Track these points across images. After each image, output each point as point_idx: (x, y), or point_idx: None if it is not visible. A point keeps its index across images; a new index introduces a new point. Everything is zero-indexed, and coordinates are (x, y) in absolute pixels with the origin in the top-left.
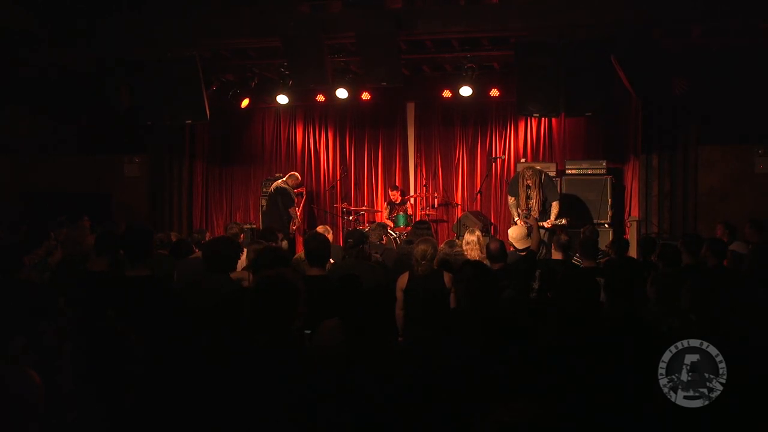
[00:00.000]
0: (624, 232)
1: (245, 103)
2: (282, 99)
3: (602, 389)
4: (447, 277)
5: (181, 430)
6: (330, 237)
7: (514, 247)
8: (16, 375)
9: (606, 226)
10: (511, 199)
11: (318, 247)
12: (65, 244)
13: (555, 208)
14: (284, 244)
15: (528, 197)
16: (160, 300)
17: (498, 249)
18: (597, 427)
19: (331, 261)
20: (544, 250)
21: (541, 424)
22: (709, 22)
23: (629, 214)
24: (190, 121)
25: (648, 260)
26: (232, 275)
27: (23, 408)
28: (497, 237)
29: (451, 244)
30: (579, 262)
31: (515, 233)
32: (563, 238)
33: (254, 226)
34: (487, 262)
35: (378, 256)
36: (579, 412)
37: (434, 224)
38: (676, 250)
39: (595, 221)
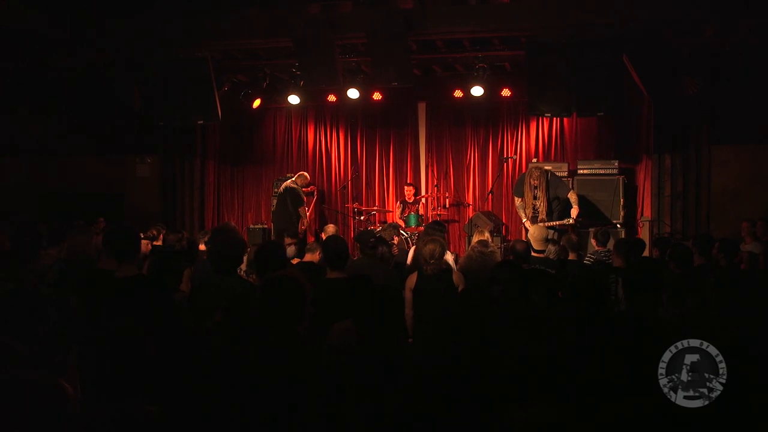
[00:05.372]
0: (636, 232)
1: (257, 103)
2: (293, 99)
3: (618, 390)
4: (456, 276)
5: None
6: None
7: (531, 247)
8: (50, 386)
9: (618, 226)
10: (517, 200)
11: (337, 250)
12: (75, 245)
13: (573, 196)
14: (290, 249)
15: (535, 197)
16: (151, 300)
17: (524, 249)
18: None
19: None
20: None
21: (556, 427)
22: (721, 21)
23: (641, 215)
24: (201, 122)
25: (663, 260)
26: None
27: (57, 419)
28: (507, 237)
29: (485, 244)
30: (590, 261)
31: (537, 233)
32: (573, 237)
33: (266, 226)
34: None
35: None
36: (595, 415)
37: (445, 224)
38: (688, 251)
39: (613, 221)
